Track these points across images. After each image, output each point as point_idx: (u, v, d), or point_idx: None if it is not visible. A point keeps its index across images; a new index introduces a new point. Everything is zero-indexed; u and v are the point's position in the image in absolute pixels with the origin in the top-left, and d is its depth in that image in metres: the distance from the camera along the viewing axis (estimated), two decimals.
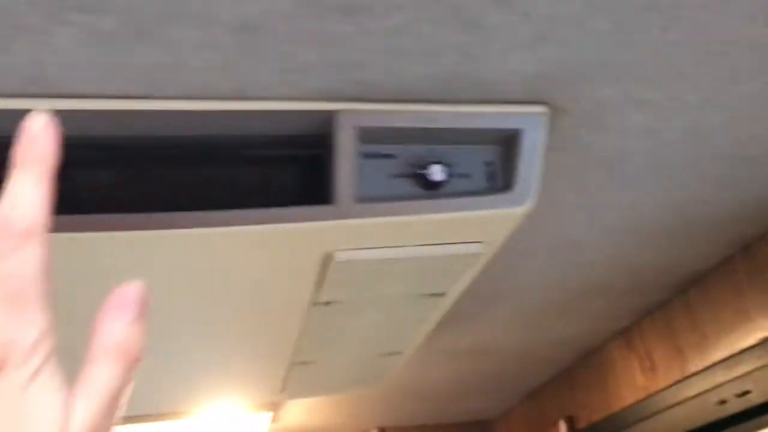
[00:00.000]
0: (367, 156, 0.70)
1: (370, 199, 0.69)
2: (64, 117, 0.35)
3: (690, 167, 0.89)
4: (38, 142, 0.32)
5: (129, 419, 1.52)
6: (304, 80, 0.63)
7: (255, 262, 0.76)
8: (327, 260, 0.77)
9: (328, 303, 0.90)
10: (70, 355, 0.32)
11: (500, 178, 0.73)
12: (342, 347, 1.07)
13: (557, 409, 1.82)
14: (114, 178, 0.65)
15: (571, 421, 1.74)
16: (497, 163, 0.73)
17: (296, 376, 1.17)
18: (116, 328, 0.33)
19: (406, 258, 0.79)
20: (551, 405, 1.86)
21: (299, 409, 1.82)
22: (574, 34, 0.62)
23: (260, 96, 0.64)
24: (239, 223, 0.66)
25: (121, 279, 0.34)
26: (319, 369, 1.15)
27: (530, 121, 0.72)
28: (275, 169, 0.70)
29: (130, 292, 0.34)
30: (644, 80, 0.70)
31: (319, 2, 0.54)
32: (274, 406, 1.70)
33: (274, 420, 1.79)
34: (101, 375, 0.32)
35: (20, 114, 0.33)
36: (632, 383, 1.50)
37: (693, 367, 1.30)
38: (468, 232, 0.77)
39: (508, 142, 0.73)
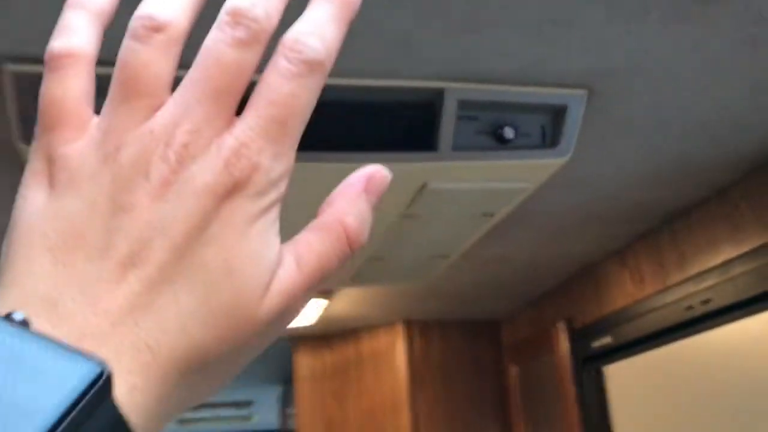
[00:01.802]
0: (461, 118, 1.02)
1: (461, 148, 1.02)
2: None
3: (680, 132, 1.21)
4: None
5: None
6: (427, 67, 0.95)
7: None
8: (423, 187, 1.11)
9: (411, 216, 1.24)
10: None
11: (549, 138, 1.06)
12: (408, 248, 1.42)
13: (557, 312, 2.20)
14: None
15: (569, 322, 2.13)
16: (548, 127, 1.06)
17: (367, 268, 1.52)
18: (351, 207, 0.30)
19: (477, 189, 1.12)
20: (552, 309, 2.24)
21: (345, 302, 2.20)
22: (607, 49, 0.93)
23: (399, 76, 0.96)
24: (376, 161, 0.98)
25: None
26: (385, 264, 1.51)
27: (574, 100, 1.04)
28: (398, 125, 1.02)
29: (378, 178, 0.31)
30: (652, 78, 1.02)
31: (448, 22, 0.85)
32: (329, 296, 2.07)
33: (326, 308, 2.17)
34: (318, 245, 0.30)
35: None
36: (623, 292, 1.87)
37: (671, 281, 1.66)
38: (523, 174, 1.10)
39: (557, 113, 1.05)
